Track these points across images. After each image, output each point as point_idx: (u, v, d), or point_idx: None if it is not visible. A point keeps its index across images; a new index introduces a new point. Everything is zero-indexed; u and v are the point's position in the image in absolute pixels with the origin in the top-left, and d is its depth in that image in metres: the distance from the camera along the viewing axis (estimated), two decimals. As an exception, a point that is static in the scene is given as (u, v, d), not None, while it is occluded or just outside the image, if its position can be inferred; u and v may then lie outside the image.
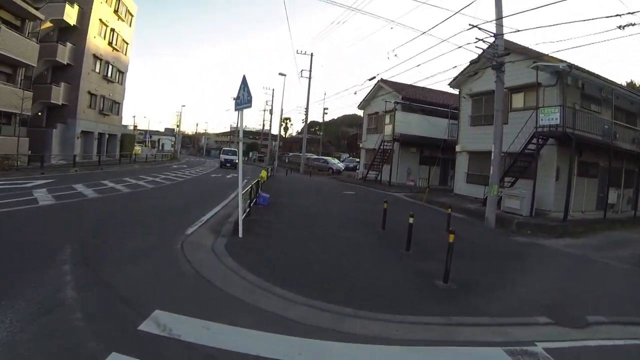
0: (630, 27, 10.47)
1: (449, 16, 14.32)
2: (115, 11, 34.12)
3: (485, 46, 14.41)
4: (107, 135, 36.64)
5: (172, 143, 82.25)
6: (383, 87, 31.36)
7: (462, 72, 20.74)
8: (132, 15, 38.72)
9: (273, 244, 8.33)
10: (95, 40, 31.06)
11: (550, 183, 16.41)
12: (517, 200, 15.45)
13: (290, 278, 6.11)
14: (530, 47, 16.20)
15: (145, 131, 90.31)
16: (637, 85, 45.25)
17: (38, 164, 21.92)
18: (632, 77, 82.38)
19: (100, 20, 31.63)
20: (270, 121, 66.69)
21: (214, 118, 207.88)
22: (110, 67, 34.53)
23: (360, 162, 37.23)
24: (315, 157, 53.00)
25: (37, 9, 23.94)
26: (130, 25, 38.69)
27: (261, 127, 74.85)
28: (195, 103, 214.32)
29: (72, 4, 28.06)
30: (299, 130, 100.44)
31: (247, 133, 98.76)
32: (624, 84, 37.16)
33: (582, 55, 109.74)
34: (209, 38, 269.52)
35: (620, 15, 10.54)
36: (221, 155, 44.72)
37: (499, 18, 13.79)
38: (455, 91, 24.04)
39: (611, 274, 9.07)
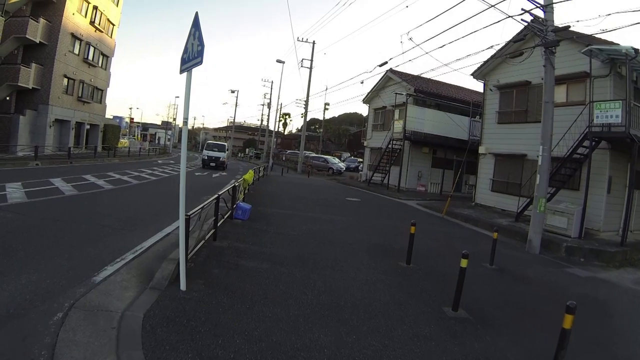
0: None
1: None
2: (98, -13, 31.28)
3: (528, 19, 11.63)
4: (87, 125, 33.88)
5: (168, 137, 79.60)
6: (392, 78, 28.50)
7: (501, 50, 17.58)
8: (118, -6, 35.92)
9: (240, 306, 4.96)
10: (74, 18, 28.25)
11: (599, 196, 13.56)
12: (564, 217, 12.58)
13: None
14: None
15: (138, 124, 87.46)
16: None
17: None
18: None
19: (80, -5, 28.81)
20: (268, 115, 64.37)
21: (212, 112, 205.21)
22: (91, 49, 31.72)
23: (364, 162, 34.20)
24: (315, 155, 50.27)
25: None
26: (117, 5, 35.90)
27: (259, 123, 72.22)
28: (192, 96, 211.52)
29: (45, -26, 25.33)
30: (299, 128, 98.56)
31: (245, 129, 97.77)
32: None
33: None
34: (208, 29, 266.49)
35: None
36: (204, 151, 34.04)
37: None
38: (477, 86, 21.21)
39: None
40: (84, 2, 29.45)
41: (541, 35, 11.21)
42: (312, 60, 39.78)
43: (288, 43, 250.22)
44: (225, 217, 9.81)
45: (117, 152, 34.30)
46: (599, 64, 13.75)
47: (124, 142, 50.02)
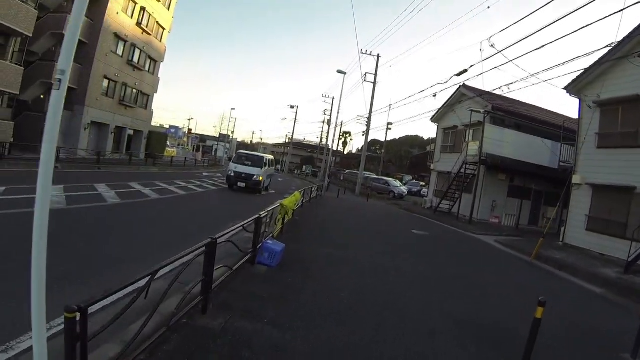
0: None
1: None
2: (147, -13, 31.40)
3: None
4: (129, 131, 33.70)
5: (226, 150, 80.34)
6: (466, 93, 26.12)
7: (613, 51, 14.88)
8: (170, -2, 36.04)
9: None
10: (119, 17, 28.25)
11: None
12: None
13: None
14: None
15: (196, 135, 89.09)
16: None
17: (23, 154, 19.65)
18: None
19: (126, -7, 28.89)
20: (327, 132, 62.90)
21: (270, 128, 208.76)
22: (137, 51, 31.76)
23: (430, 187, 31.77)
24: (375, 177, 48.54)
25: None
26: (168, 9, 36.02)
27: (318, 140, 71.81)
28: (250, 110, 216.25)
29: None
30: (359, 148, 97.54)
31: (304, 146, 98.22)
32: None
33: None
34: (268, 42, 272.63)
35: None
36: (230, 164, 24.19)
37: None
38: (570, 104, 18.51)
39: None
40: (131, 2, 29.49)
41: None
42: (376, 75, 38.36)
43: (350, 56, 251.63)
44: (243, 261, 7.13)
45: (159, 161, 33.79)
46: None
47: (171, 151, 50.18)
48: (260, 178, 22.49)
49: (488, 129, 22.34)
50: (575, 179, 16.87)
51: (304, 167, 79.82)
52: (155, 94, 37.43)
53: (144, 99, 35.41)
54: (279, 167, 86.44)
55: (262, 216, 7.53)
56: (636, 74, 14.33)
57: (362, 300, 6.64)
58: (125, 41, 29.76)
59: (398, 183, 46.39)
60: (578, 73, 16.96)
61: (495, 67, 15.35)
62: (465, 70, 15.98)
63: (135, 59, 31.63)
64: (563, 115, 26.89)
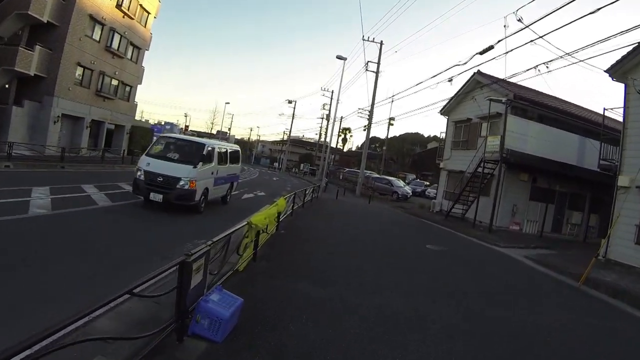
0: None
1: None
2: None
3: None
4: (108, 125, 31.13)
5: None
6: (481, 81, 23.53)
7: None
8: (155, -21, 33.53)
9: None
10: (94, -3, 25.51)
11: None
12: None
13: None
14: None
15: (193, 132, 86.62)
16: None
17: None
18: None
19: (103, -29, 26.31)
20: (327, 128, 60.29)
21: (268, 123, 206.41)
22: (117, 36, 29.18)
23: (439, 188, 28.99)
24: (377, 176, 46.16)
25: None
26: (154, -8, 33.40)
27: (317, 137, 69.81)
28: (247, 106, 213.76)
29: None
30: (359, 145, 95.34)
31: (303, 143, 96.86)
32: None
33: None
34: (263, 32, 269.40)
35: None
36: (142, 159, 13.93)
37: None
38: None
39: None
40: (108, -20, 26.81)
41: None
42: (378, 63, 36.30)
43: (350, 46, 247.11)
44: (168, 331, 4.04)
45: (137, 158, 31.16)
46: None
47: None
48: (193, 184, 12.76)
49: (510, 120, 19.54)
50: (622, 180, 14.19)
51: (302, 165, 79.84)
52: (139, 85, 34.95)
53: (126, 90, 32.84)
54: (276, 164, 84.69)
55: (190, 259, 4.04)
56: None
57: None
58: (103, 24, 27.18)
59: (402, 183, 43.98)
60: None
61: (531, 41, 12.75)
62: (492, 47, 13.46)
63: (115, 45, 29.03)
64: (592, 111, 25.50)
